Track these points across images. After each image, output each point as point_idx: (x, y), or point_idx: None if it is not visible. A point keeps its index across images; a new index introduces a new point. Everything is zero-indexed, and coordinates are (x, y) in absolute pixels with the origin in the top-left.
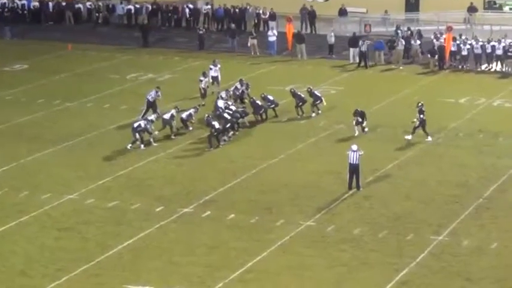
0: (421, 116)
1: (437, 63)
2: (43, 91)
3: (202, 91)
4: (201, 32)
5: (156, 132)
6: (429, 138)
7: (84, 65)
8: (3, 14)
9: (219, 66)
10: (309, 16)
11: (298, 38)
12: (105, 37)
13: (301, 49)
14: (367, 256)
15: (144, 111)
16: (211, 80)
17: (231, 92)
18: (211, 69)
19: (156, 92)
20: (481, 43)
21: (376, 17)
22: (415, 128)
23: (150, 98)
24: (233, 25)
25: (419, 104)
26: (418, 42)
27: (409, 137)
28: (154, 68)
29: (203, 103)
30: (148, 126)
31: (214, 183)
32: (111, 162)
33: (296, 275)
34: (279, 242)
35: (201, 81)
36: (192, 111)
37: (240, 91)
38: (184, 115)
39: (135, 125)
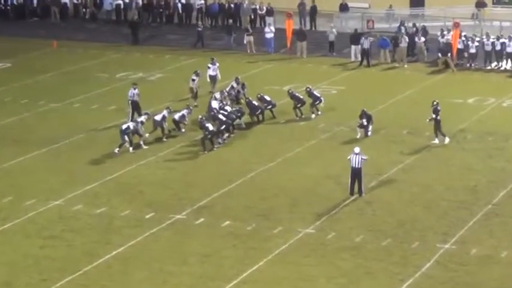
0: (434, 115)
1: (450, 62)
2: (27, 91)
3: (195, 91)
4: (199, 29)
5: (147, 135)
6: (436, 141)
7: (71, 63)
8: None
9: (217, 64)
10: (310, 11)
11: (300, 35)
12: (93, 34)
13: (302, 47)
14: (370, 265)
15: (130, 113)
16: (208, 79)
17: (226, 93)
18: (209, 68)
19: (134, 88)
20: (492, 40)
21: (379, 12)
22: (437, 130)
23: (130, 98)
24: (230, 21)
25: (434, 103)
26: (423, 39)
27: (436, 141)
28: (145, 67)
29: (195, 104)
30: (138, 127)
31: (208, 188)
32: (99, 166)
33: (294, 285)
34: (276, 250)
35: (194, 80)
36: (185, 112)
37: (236, 90)
38: (176, 116)
39: (124, 127)
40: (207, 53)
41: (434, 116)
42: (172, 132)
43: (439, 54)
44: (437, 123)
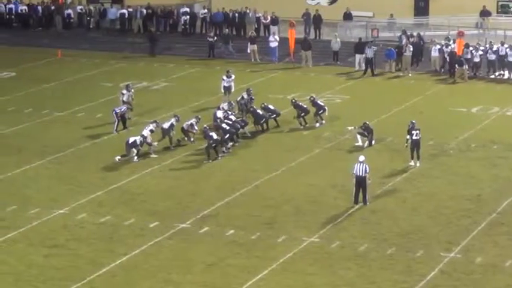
0: (408, 136)
1: (465, 74)
2: (31, 100)
3: (126, 102)
4: (211, 40)
5: (155, 143)
6: (413, 164)
7: (75, 72)
8: None
9: (233, 77)
10: (314, 21)
11: (305, 44)
12: (97, 43)
13: (307, 56)
14: (374, 274)
15: (116, 124)
16: (222, 91)
17: (234, 104)
18: (223, 80)
19: (127, 108)
20: (495, 48)
21: (383, 21)
22: (412, 151)
23: (118, 110)
24: (227, 30)
25: (410, 124)
26: (437, 50)
27: (412, 163)
28: (149, 76)
29: (129, 116)
30: (147, 140)
31: (212, 197)
32: (104, 175)
33: None
34: (280, 259)
35: (123, 94)
36: (193, 121)
37: (245, 101)
38: (185, 125)
39: (131, 140)
40: (212, 61)
41: (408, 136)
42: (182, 141)
43: (456, 66)
44: (414, 144)
